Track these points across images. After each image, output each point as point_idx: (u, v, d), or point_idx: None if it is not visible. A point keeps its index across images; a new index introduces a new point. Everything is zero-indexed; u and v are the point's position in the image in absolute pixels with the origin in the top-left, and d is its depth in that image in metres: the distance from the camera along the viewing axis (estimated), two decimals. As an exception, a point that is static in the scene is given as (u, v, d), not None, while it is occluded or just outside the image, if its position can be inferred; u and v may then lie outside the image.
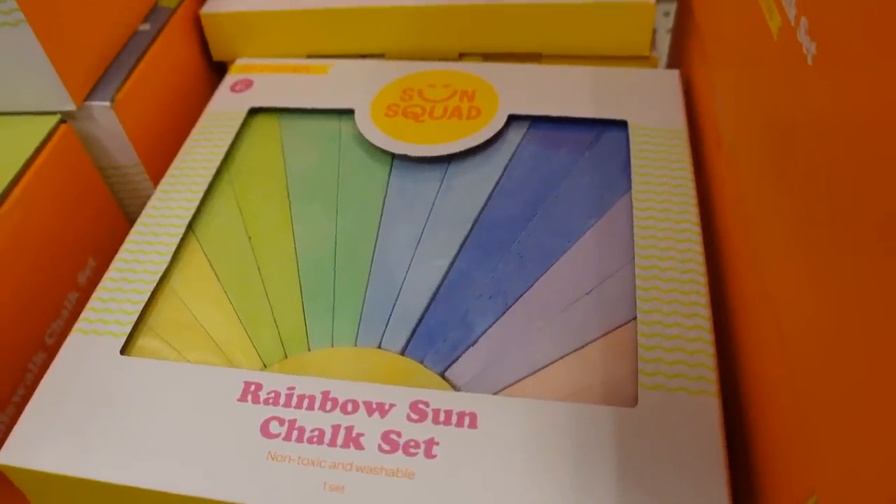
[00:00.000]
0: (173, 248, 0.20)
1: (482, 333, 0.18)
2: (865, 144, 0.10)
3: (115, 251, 0.24)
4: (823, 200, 0.12)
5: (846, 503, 0.11)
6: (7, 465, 0.16)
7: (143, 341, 0.19)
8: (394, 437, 0.16)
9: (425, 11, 0.25)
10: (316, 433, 0.16)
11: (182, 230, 0.21)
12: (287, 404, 0.16)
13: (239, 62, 0.27)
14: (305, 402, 0.16)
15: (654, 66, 0.26)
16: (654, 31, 0.26)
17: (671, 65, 0.29)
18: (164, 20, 0.26)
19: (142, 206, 0.25)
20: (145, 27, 0.25)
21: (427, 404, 0.16)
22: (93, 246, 0.23)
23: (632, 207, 0.20)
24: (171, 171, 0.23)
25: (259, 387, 0.17)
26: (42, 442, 0.17)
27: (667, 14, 0.31)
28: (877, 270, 0.10)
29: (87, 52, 0.23)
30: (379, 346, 0.18)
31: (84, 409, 0.17)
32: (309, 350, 0.18)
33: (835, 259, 0.11)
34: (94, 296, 0.19)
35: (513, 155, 0.22)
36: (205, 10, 0.27)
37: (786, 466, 0.14)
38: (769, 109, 0.15)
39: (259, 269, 0.20)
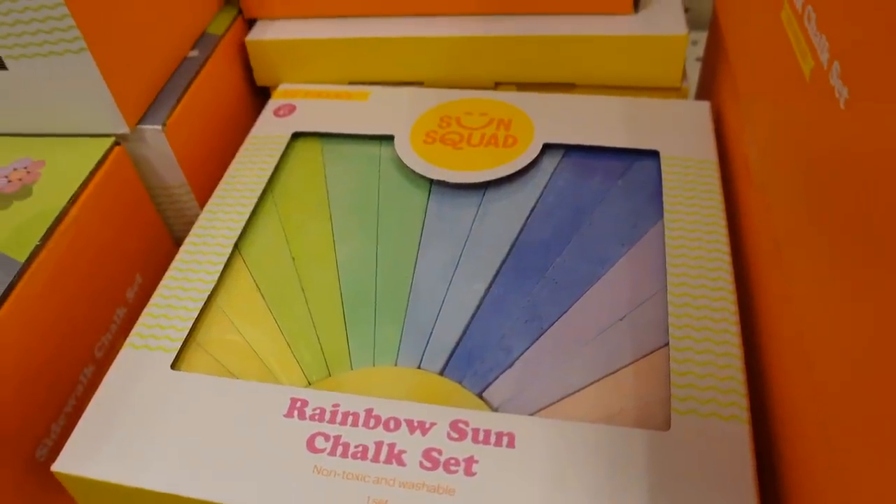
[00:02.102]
0: (220, 268, 0.21)
1: (518, 356, 0.19)
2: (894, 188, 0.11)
3: (162, 268, 0.25)
4: (854, 240, 0.13)
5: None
6: (62, 473, 0.17)
7: (192, 357, 0.19)
8: (434, 454, 0.16)
9: (463, 42, 0.26)
10: (360, 449, 0.17)
11: (228, 250, 0.22)
12: (332, 420, 0.17)
13: (282, 87, 0.28)
14: (350, 419, 0.17)
15: (685, 96, 0.26)
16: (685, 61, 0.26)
17: (700, 94, 0.30)
18: (211, 47, 0.27)
19: (187, 225, 0.26)
20: (194, 53, 0.27)
21: (467, 423, 0.17)
22: (140, 263, 0.24)
23: (664, 235, 0.21)
24: (218, 192, 0.24)
25: (305, 403, 0.18)
26: (96, 451, 0.17)
27: (695, 43, 0.32)
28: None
29: (141, 78, 0.24)
30: (419, 367, 0.19)
31: (136, 421, 0.18)
32: (351, 369, 0.19)
33: (864, 296, 0.12)
34: (144, 312, 0.20)
35: (547, 182, 0.23)
36: (250, 37, 0.28)
37: (812, 495, 0.14)
38: (801, 149, 0.16)
39: (303, 288, 0.21)
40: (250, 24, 0.29)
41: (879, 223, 0.11)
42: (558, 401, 0.18)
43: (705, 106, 0.25)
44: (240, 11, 0.29)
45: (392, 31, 0.27)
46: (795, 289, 0.16)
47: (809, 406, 0.15)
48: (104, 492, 0.18)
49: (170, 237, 0.26)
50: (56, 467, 0.17)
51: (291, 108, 0.27)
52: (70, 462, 0.17)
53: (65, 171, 0.22)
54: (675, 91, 0.26)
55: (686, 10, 0.37)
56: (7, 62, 0.22)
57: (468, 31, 0.26)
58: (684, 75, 0.26)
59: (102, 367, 0.22)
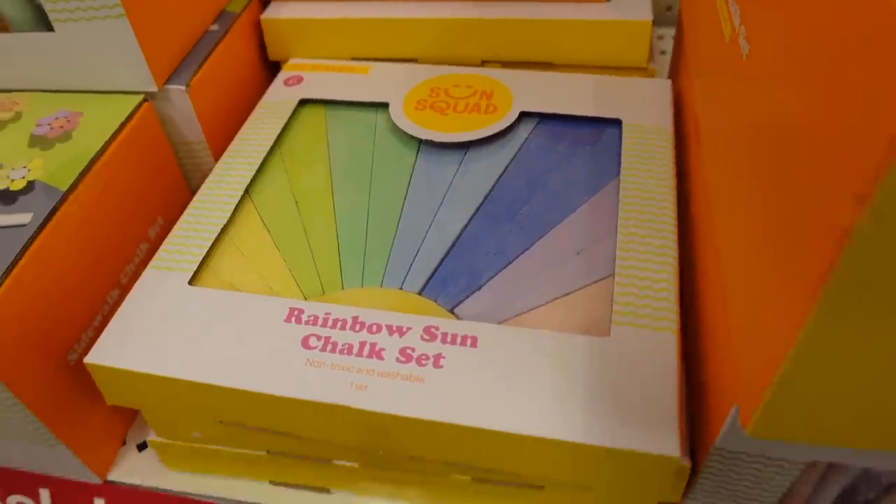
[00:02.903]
0: (232, 207, 0.24)
1: (486, 282, 0.22)
2: (781, 127, 0.14)
3: (180, 213, 0.28)
4: (753, 176, 0.16)
5: (750, 407, 0.14)
6: (93, 364, 0.20)
7: (205, 278, 0.23)
8: (409, 351, 0.19)
9: (453, 23, 0.29)
10: (346, 347, 0.20)
11: (240, 193, 0.25)
12: (323, 325, 0.20)
13: (292, 61, 0.31)
14: (339, 324, 0.20)
15: (652, 76, 0.30)
16: (652, 48, 0.29)
17: (670, 77, 0.33)
18: (230, 23, 0.30)
19: (202, 177, 0.29)
20: (215, 27, 0.30)
21: (437, 328, 0.20)
22: (161, 207, 0.27)
23: (619, 188, 0.24)
24: (232, 147, 0.27)
25: (301, 311, 0.21)
26: (122, 346, 0.20)
27: (660, 37, 0.35)
28: (788, 228, 0.13)
29: (169, 45, 0.27)
30: (401, 288, 0.22)
31: (157, 323, 0.21)
32: (342, 288, 0.22)
33: (759, 218, 0.15)
34: (165, 241, 0.23)
35: (522, 145, 0.26)
36: (264, 15, 0.32)
37: (722, 386, 0.17)
38: (722, 107, 0.19)
39: (304, 226, 0.24)
40: (265, 3, 0.32)
41: (771, 159, 0.15)
42: (517, 315, 0.21)
43: (666, 83, 0.28)
44: (256, -7, 0.32)
45: (391, 13, 0.30)
46: (718, 235, 0.19)
47: (722, 327, 0.18)
48: (127, 381, 0.21)
49: (188, 188, 0.29)
50: (88, 360, 0.20)
51: (299, 79, 0.30)
52: (100, 355, 0.20)
53: (99, 121, 0.25)
54: (643, 71, 0.29)
55: (668, 9, 0.40)
56: (55, 25, 0.25)
57: (459, 14, 0.29)
58: (651, 57, 0.29)
59: (126, 290, 0.25)
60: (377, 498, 0.23)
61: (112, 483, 0.25)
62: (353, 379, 0.19)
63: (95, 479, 0.25)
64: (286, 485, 0.24)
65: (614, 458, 0.17)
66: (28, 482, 0.26)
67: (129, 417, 0.26)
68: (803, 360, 0.12)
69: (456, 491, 0.22)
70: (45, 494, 0.26)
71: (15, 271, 0.20)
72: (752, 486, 0.19)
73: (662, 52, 0.37)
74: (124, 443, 0.26)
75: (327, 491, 0.24)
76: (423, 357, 0.19)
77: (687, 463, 0.19)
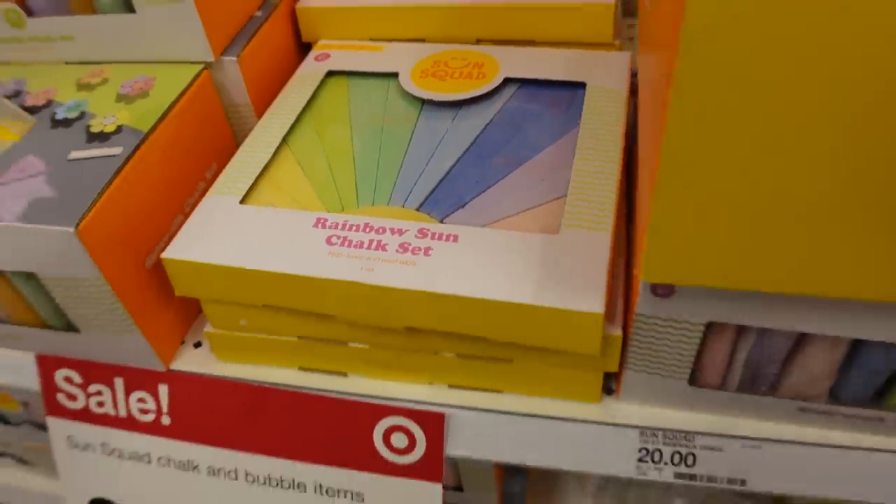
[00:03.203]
0: (272, 150, 0.31)
1: (469, 201, 0.28)
2: (659, 53, 0.20)
3: (228, 160, 0.35)
4: (653, 101, 0.21)
5: (641, 259, 0.20)
6: (168, 259, 0.27)
7: (252, 200, 0.29)
8: (406, 244, 0.25)
9: (453, 9, 0.36)
10: (358, 243, 0.26)
11: (278, 141, 0.31)
12: (342, 229, 0.26)
13: (321, 42, 0.38)
14: (353, 227, 0.26)
15: (619, 51, 0.35)
16: (617, 27, 0.35)
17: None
18: (271, 10, 0.37)
19: (247, 133, 0.36)
20: (259, 14, 0.36)
21: (427, 230, 0.26)
22: (214, 155, 0.34)
23: (578, 134, 0.30)
24: (271, 108, 0.34)
25: (325, 220, 0.27)
26: (191, 245, 0.27)
27: (631, 25, 0.41)
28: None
29: (224, 26, 0.34)
30: (403, 206, 0.28)
31: (217, 230, 0.27)
32: (357, 207, 0.28)
33: (652, 127, 0.21)
34: (222, 173, 0.30)
35: (504, 104, 0.32)
36: (299, 5, 0.38)
37: (637, 265, 0.23)
38: (648, 60, 0.25)
39: (328, 163, 0.30)
40: (300, -5, 0.39)
41: (658, 86, 0.20)
42: (491, 222, 0.27)
43: (626, 55, 0.34)
44: (292, -13, 0.39)
45: (402, 2, 0.36)
46: (640, 158, 0.25)
47: (640, 224, 0.24)
48: (192, 272, 0.27)
49: (235, 141, 0.36)
50: (165, 255, 0.27)
51: (327, 56, 0.37)
52: (174, 251, 0.27)
53: (169, 84, 0.32)
54: (611, 46, 0.35)
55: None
56: (137, 8, 0.32)
57: (457, 2, 0.35)
58: (616, 35, 0.35)
59: (188, 216, 0.32)
60: (383, 380, 0.30)
61: (173, 371, 0.32)
62: (363, 265, 0.25)
63: (161, 367, 0.32)
64: (311, 370, 0.30)
65: (553, 315, 0.23)
66: (105, 372, 0.33)
67: (188, 320, 0.33)
68: (662, 206, 0.18)
69: (444, 368, 0.28)
70: (119, 382, 0.33)
71: (109, 189, 0.27)
72: (670, 349, 0.25)
73: (630, 39, 0.42)
74: (183, 342, 0.33)
75: (344, 374, 0.30)
76: (416, 249, 0.25)
77: (616, 332, 0.25)
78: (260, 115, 0.35)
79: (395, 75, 0.35)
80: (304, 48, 0.39)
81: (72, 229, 0.25)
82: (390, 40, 0.37)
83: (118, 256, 0.28)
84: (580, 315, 0.23)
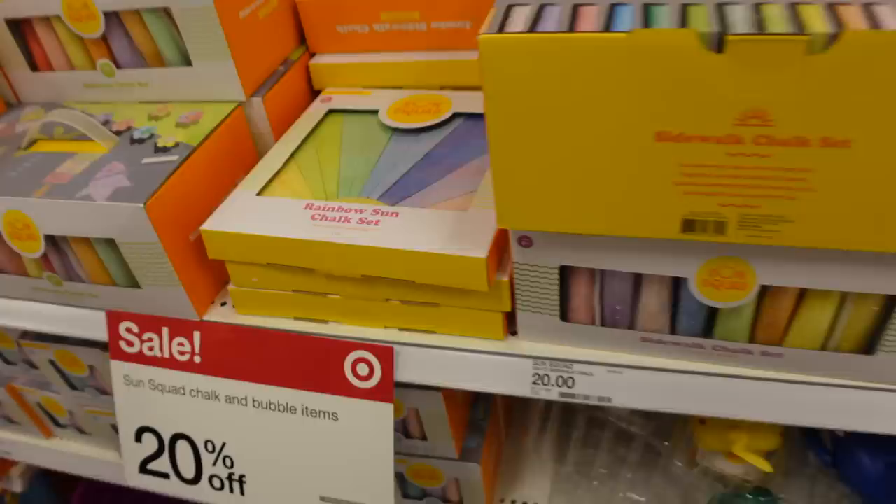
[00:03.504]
0: (282, 162, 0.43)
1: (413, 194, 0.39)
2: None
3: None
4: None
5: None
6: (206, 230, 0.39)
7: (265, 194, 0.41)
8: (363, 217, 0.37)
9: (422, 64, 0.48)
10: (333, 218, 0.37)
11: (288, 156, 0.44)
12: (323, 210, 0.38)
13: (327, 90, 0.51)
14: (331, 209, 0.38)
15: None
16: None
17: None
18: (290, 65, 0.50)
19: (265, 151, 0.48)
20: (280, 68, 0.49)
21: (379, 210, 0.37)
22: (242, 166, 0.46)
23: (500, 151, 0.41)
24: (285, 135, 0.46)
25: (312, 204, 0.39)
26: (221, 221, 0.39)
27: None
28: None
29: (254, 76, 0.46)
30: (367, 197, 0.39)
31: (240, 210, 0.39)
32: (337, 198, 0.40)
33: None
34: (245, 178, 0.42)
35: (452, 131, 0.44)
36: (312, 62, 0.51)
37: (516, 228, 0.34)
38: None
39: (321, 171, 0.42)
40: (312, 54, 0.52)
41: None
42: (424, 207, 0.38)
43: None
44: (307, 48, 0.52)
45: (386, 59, 0.49)
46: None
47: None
48: (221, 238, 0.39)
49: (257, 157, 0.48)
50: (203, 227, 0.39)
51: (329, 99, 0.49)
52: (209, 224, 0.39)
53: (213, 116, 0.45)
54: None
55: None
56: (193, 62, 0.45)
57: (425, 59, 0.48)
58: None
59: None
60: (351, 325, 0.41)
61: (205, 321, 0.43)
62: (334, 231, 0.36)
63: (196, 318, 0.43)
64: (301, 318, 0.42)
65: (454, 260, 0.34)
66: (155, 323, 0.44)
67: (218, 286, 0.45)
68: (498, 162, 0.29)
69: (393, 314, 0.39)
70: (165, 330, 0.44)
71: (166, 182, 0.39)
72: (541, 291, 0.35)
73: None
74: (213, 302, 0.44)
75: (325, 322, 0.41)
76: (370, 221, 0.37)
77: (504, 278, 0.35)
78: (277, 139, 0.48)
79: (376, 112, 0.47)
80: (314, 93, 0.52)
81: (141, 205, 0.38)
82: (376, 87, 0.50)
83: (171, 229, 0.40)
84: (470, 259, 0.34)
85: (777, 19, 0.23)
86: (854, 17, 0.23)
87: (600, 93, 0.25)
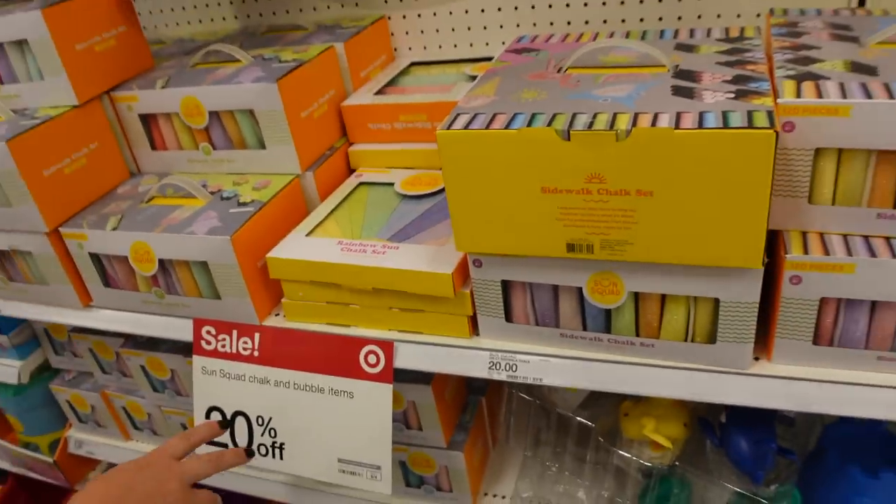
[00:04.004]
0: (324, 216, 0.61)
1: (413, 236, 0.57)
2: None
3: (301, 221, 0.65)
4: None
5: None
6: (270, 257, 0.57)
7: (311, 236, 0.59)
8: (375, 251, 0.55)
9: (427, 151, 0.67)
10: (354, 249, 0.55)
11: (328, 212, 0.62)
12: (349, 245, 0.56)
13: (360, 169, 0.70)
14: (356, 245, 0.56)
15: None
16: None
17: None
18: (334, 150, 0.69)
19: (313, 209, 0.67)
20: (327, 152, 0.69)
21: (387, 246, 0.55)
22: (296, 219, 0.64)
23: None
24: (327, 199, 0.65)
25: (342, 242, 0.56)
26: (280, 251, 0.57)
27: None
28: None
29: (308, 156, 0.66)
30: (380, 238, 0.57)
31: (292, 244, 0.57)
32: (360, 238, 0.58)
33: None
34: (297, 227, 0.61)
35: (443, 198, 0.62)
36: (350, 149, 0.70)
37: (475, 255, 0.51)
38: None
39: (351, 222, 0.61)
40: (350, 143, 0.71)
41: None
42: (423, 243, 0.55)
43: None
44: (347, 139, 0.71)
45: (401, 147, 0.68)
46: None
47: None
48: (279, 264, 0.57)
49: (307, 213, 0.67)
50: (269, 255, 0.57)
51: (361, 175, 0.68)
52: (273, 253, 0.57)
53: (278, 183, 0.64)
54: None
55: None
56: (267, 147, 0.64)
57: (428, 148, 0.67)
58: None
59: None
60: (365, 328, 0.57)
61: (264, 326, 0.61)
62: (357, 257, 0.54)
63: (257, 323, 0.61)
64: (331, 324, 0.59)
65: (431, 276, 0.51)
66: (228, 326, 0.62)
67: (275, 301, 0.62)
68: (453, 207, 0.46)
69: (394, 319, 0.56)
70: (234, 332, 0.62)
71: (245, 225, 0.58)
72: (491, 299, 0.52)
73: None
74: (269, 313, 0.62)
75: (348, 326, 0.58)
76: (379, 251, 0.54)
77: (467, 290, 0.52)
78: (322, 200, 0.66)
79: (392, 184, 0.66)
80: (350, 170, 0.71)
81: (229, 237, 0.56)
82: (394, 167, 0.69)
83: (246, 256, 0.58)
84: (441, 275, 0.51)
85: (601, 122, 0.41)
86: (644, 120, 0.40)
87: (506, 164, 0.43)
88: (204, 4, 0.87)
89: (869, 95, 0.40)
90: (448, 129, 0.44)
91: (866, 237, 0.43)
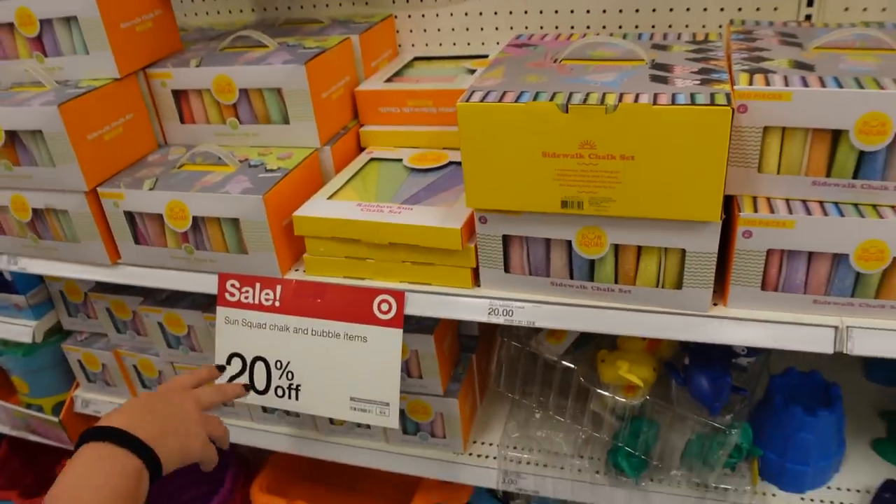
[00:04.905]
0: (341, 185, 0.69)
1: (424, 200, 0.65)
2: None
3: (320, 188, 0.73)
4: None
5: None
6: (296, 215, 0.65)
7: (331, 199, 0.67)
8: (393, 210, 0.63)
9: (431, 133, 0.75)
10: (373, 209, 0.63)
11: (345, 181, 0.70)
12: (367, 206, 0.64)
13: (369, 147, 0.78)
14: (372, 206, 0.64)
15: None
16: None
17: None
18: (348, 130, 0.77)
19: (329, 179, 0.74)
20: (342, 131, 0.77)
21: (402, 207, 0.63)
22: (315, 187, 0.72)
23: (476, 181, 0.67)
24: (343, 171, 0.73)
25: (361, 203, 0.64)
26: (305, 209, 0.65)
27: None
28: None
29: (326, 133, 0.74)
30: (394, 202, 0.65)
31: (316, 204, 0.65)
32: (376, 202, 0.66)
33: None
34: (317, 192, 0.68)
35: (447, 172, 0.70)
36: (361, 129, 0.79)
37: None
38: (493, 142, 0.63)
39: (366, 189, 0.69)
40: (362, 125, 0.79)
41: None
42: (435, 205, 0.64)
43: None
44: (359, 120, 0.80)
45: (406, 129, 0.76)
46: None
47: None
48: (302, 221, 0.65)
49: (324, 182, 0.74)
50: (295, 214, 0.65)
51: (371, 152, 0.76)
52: (299, 212, 0.65)
53: (300, 155, 0.72)
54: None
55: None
56: (291, 122, 0.72)
57: (433, 130, 0.75)
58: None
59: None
60: (380, 280, 0.65)
61: (286, 278, 0.68)
62: (374, 215, 0.62)
63: (279, 275, 0.68)
64: (349, 276, 0.66)
65: (441, 231, 0.59)
66: (251, 280, 0.69)
67: (297, 255, 0.70)
68: (467, 168, 0.55)
69: (405, 271, 0.64)
70: (258, 285, 0.69)
71: (274, 187, 0.66)
72: (494, 253, 0.60)
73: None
74: (290, 268, 0.69)
75: (363, 279, 0.66)
76: (396, 211, 0.62)
77: (472, 244, 0.61)
78: (337, 172, 0.74)
79: (400, 160, 0.74)
80: (360, 149, 0.80)
81: (261, 196, 0.64)
82: (401, 147, 0.77)
83: (275, 214, 0.65)
84: (451, 229, 0.59)
85: (594, 98, 0.50)
86: (628, 98, 0.49)
87: (514, 132, 0.52)
88: (223, -3, 0.94)
89: (807, 85, 0.50)
90: (467, 101, 0.52)
91: (804, 201, 0.53)
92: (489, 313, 0.62)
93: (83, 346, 0.91)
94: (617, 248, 0.57)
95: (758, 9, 0.75)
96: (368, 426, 0.80)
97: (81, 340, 0.93)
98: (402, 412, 0.77)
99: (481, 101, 0.52)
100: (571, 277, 0.59)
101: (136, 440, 0.48)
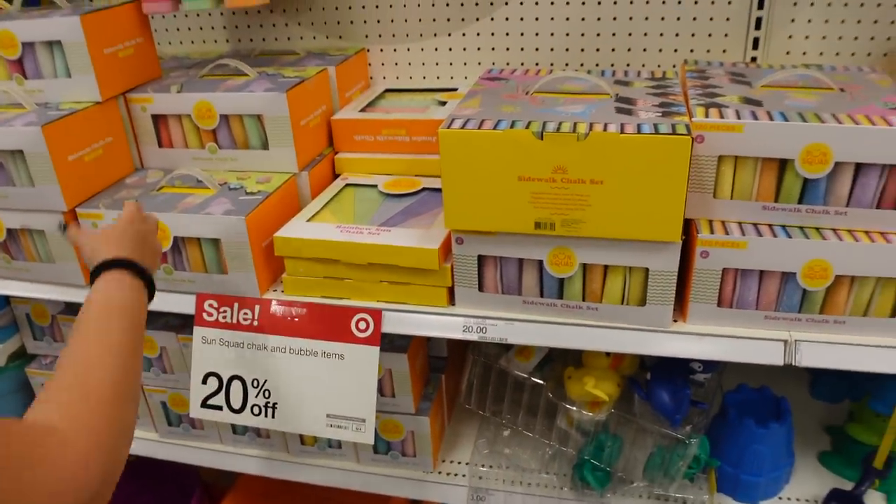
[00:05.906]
0: (319, 208, 0.72)
1: (400, 223, 0.68)
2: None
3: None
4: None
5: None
6: (277, 236, 0.67)
7: (310, 221, 0.69)
8: (371, 232, 0.65)
9: (405, 161, 0.78)
10: (352, 232, 0.66)
11: (322, 205, 0.73)
12: (345, 228, 0.66)
13: (344, 174, 0.81)
14: (350, 228, 0.66)
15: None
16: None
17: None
18: (323, 156, 0.80)
19: (306, 203, 0.77)
20: (318, 157, 0.79)
21: (380, 229, 0.66)
22: (293, 211, 0.74)
23: (450, 205, 0.70)
24: (319, 196, 0.75)
25: (339, 225, 0.67)
26: (285, 231, 0.67)
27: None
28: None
29: (304, 158, 0.76)
30: (371, 224, 0.68)
31: (295, 226, 0.67)
32: (355, 224, 0.68)
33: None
34: (296, 215, 0.71)
35: (420, 197, 0.74)
36: (336, 156, 0.81)
37: (456, 236, 0.63)
38: (468, 168, 0.67)
39: (343, 213, 0.71)
40: (336, 152, 0.82)
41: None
42: (413, 228, 0.67)
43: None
44: (333, 148, 0.82)
45: (380, 156, 0.80)
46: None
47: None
48: (283, 242, 0.67)
49: (301, 207, 0.77)
50: (276, 234, 0.67)
51: (346, 178, 0.79)
52: (281, 233, 0.67)
53: (278, 179, 0.74)
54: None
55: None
56: (270, 147, 0.75)
57: (407, 158, 0.79)
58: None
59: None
60: (357, 300, 0.67)
61: (264, 298, 0.70)
62: (355, 237, 0.65)
63: (258, 295, 0.70)
64: (326, 297, 0.68)
65: (419, 251, 0.62)
66: (229, 300, 0.70)
67: (276, 275, 0.71)
68: (446, 190, 0.58)
69: (383, 291, 0.66)
70: (236, 305, 0.70)
71: (255, 209, 0.68)
72: (468, 272, 0.63)
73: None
74: (268, 288, 0.71)
75: (341, 298, 0.68)
76: (374, 233, 0.65)
77: (447, 264, 0.64)
78: (313, 197, 0.77)
79: (375, 185, 0.77)
80: (335, 175, 0.82)
81: (243, 217, 0.66)
82: (375, 174, 0.80)
83: (255, 235, 0.67)
84: (428, 249, 0.62)
85: (566, 127, 0.54)
86: (598, 127, 0.54)
87: (491, 157, 0.56)
88: (198, 27, 0.96)
89: (756, 118, 0.55)
90: (448, 128, 0.56)
91: (755, 224, 0.58)
92: (464, 331, 0.65)
93: (48, 369, 0.90)
94: (585, 268, 0.60)
95: (708, 50, 0.81)
96: (340, 446, 0.81)
97: (46, 364, 0.91)
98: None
99: (462, 127, 0.56)
100: (542, 296, 0.63)
101: (137, 266, 0.56)
